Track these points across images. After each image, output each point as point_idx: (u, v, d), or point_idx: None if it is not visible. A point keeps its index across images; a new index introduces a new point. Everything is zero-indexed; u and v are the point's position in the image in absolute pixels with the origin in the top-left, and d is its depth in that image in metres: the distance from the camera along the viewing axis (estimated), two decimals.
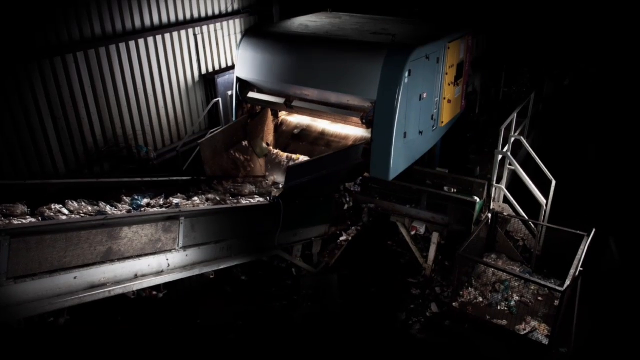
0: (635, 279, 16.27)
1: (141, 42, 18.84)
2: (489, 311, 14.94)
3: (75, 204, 12.05)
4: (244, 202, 14.78)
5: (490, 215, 16.33)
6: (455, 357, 14.85)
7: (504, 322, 14.53)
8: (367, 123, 15.34)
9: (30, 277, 9.59)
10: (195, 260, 12.42)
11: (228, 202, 14.39)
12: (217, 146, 16.58)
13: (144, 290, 11.68)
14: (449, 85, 17.02)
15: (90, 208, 12.04)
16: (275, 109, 18.00)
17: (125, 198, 13.07)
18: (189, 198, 13.79)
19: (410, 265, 18.21)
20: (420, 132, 16.07)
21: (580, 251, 14.50)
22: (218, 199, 13.91)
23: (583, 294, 14.12)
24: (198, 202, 13.47)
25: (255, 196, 14.80)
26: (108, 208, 12.34)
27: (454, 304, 15.24)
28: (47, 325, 10.49)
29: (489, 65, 22.72)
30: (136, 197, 12.99)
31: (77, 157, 17.37)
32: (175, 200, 13.22)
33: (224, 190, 14.88)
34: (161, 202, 13.30)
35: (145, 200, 13.10)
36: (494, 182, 16.57)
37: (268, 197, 15.15)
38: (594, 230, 15.08)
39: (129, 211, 12.56)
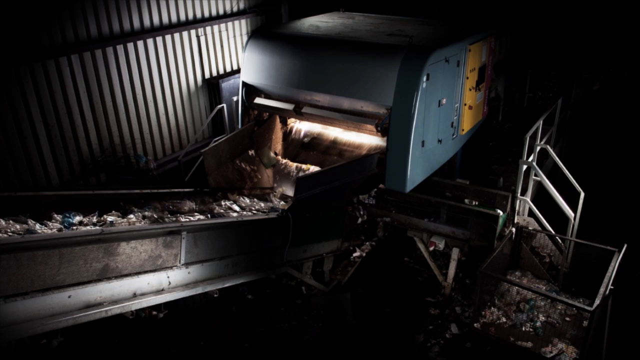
0: None
1: (140, 44, 18.81)
2: (513, 332, 14.89)
3: (2, 222, 11.79)
4: (249, 214, 14.80)
5: (514, 229, 16.31)
6: None
7: (529, 344, 14.47)
8: (383, 131, 15.27)
9: (21, 296, 9.53)
10: (198, 278, 12.41)
11: (166, 219, 13.97)
12: (222, 155, 16.56)
13: (143, 310, 11.59)
14: (470, 90, 16.98)
15: (18, 226, 11.66)
16: (283, 115, 18.00)
17: (55, 215, 12.63)
18: (124, 215, 13.45)
19: (429, 283, 18.24)
20: (440, 141, 16.03)
21: (610, 268, 14.44)
22: (155, 216, 13.71)
23: (613, 314, 14.09)
24: (134, 220, 13.11)
25: (195, 214, 14.53)
26: (38, 226, 11.91)
27: (475, 324, 15.19)
28: (40, 347, 10.45)
29: (513, 69, 22.73)
30: (67, 215, 12.67)
31: (71, 167, 17.30)
32: (110, 218, 12.90)
33: (162, 207, 14.67)
34: (94, 219, 12.87)
35: (78, 218, 12.60)
36: (518, 194, 16.52)
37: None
38: (625, 246, 15.01)
39: (60, 230, 12.22)
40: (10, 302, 9.40)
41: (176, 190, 15.70)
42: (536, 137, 16.97)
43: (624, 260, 14.83)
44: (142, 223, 13.02)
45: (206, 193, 16.04)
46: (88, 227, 12.36)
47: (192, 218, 13.98)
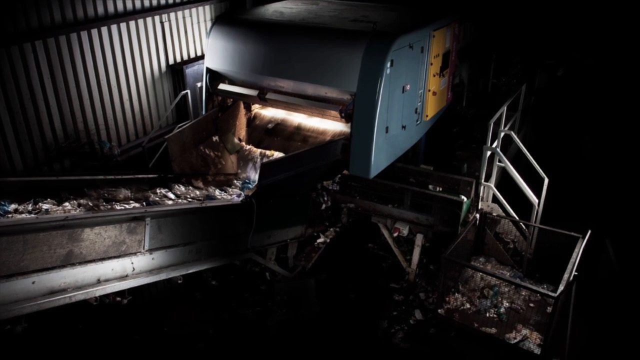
0: (633, 284, 16.38)
1: (104, 30, 18.75)
2: (477, 318, 15.02)
3: None
4: (217, 198, 14.85)
5: (478, 215, 16.47)
6: None
7: (493, 330, 14.60)
8: (347, 117, 15.44)
9: None
10: (162, 264, 12.47)
11: (101, 207, 13.85)
12: (186, 142, 16.63)
13: (107, 296, 11.64)
14: (434, 76, 17.16)
15: None
16: (247, 101, 18.10)
17: None
18: (59, 203, 13.39)
19: (393, 270, 18.33)
20: (403, 127, 16.20)
21: (574, 254, 14.59)
22: (91, 204, 13.69)
23: (578, 300, 14.26)
24: (69, 208, 13.07)
25: (131, 202, 14.49)
26: None
27: (439, 310, 15.32)
28: (4, 333, 10.51)
29: (477, 55, 22.88)
30: (2, 203, 12.63)
31: (35, 153, 17.27)
32: (45, 206, 12.85)
33: (97, 195, 14.66)
34: (30, 207, 12.87)
35: (13, 206, 12.69)
36: (482, 180, 16.68)
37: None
38: (589, 232, 15.17)
39: None
40: None
41: (140, 176, 15.74)
42: (500, 123, 17.13)
43: (587, 246, 14.98)
44: (78, 211, 13.02)
45: (170, 179, 16.11)
46: (59, 212, 12.44)
47: (159, 203, 14.10)
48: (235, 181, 17.19)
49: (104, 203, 14.01)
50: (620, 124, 23.96)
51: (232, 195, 15.97)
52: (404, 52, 15.04)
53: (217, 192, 16.30)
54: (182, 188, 15.85)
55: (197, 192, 15.80)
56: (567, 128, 24.66)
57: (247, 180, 17.28)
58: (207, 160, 17.20)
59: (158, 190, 15.23)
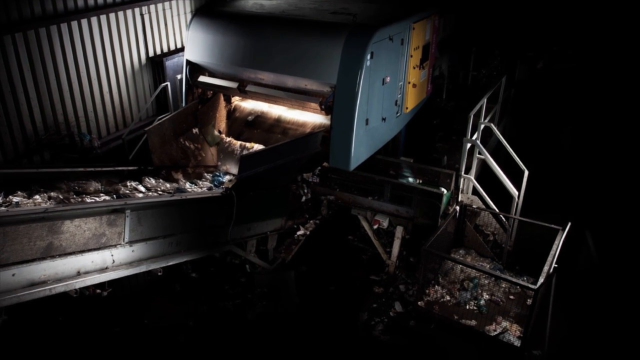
0: (613, 276, 16.47)
1: (84, 22, 18.63)
2: (457, 310, 15.11)
3: None
4: (196, 190, 14.85)
5: (458, 207, 16.52)
6: (421, 359, 15.03)
7: (473, 323, 14.70)
8: (327, 109, 15.50)
9: None
10: (142, 256, 12.52)
11: (72, 199, 13.81)
12: (166, 134, 16.67)
13: (87, 288, 11.65)
14: (414, 68, 17.21)
15: None
16: (227, 94, 18.13)
17: None
18: (30, 196, 13.28)
19: (373, 262, 18.37)
20: (383, 119, 16.26)
21: (554, 246, 14.64)
22: (61, 197, 13.61)
23: (558, 292, 14.38)
24: (40, 201, 13.02)
25: (101, 194, 14.42)
26: None
27: (419, 303, 15.40)
28: None
29: (457, 47, 22.93)
30: None
31: (15, 145, 17.17)
32: (15, 199, 12.77)
33: (67, 188, 14.59)
34: (0, 200, 12.82)
35: None
36: (462, 173, 16.78)
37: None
38: (569, 224, 15.26)
39: None
40: None
41: (120, 168, 15.75)
42: (480, 115, 17.25)
43: (567, 239, 15.07)
44: (48, 204, 12.99)
45: (150, 171, 16.13)
46: (30, 205, 12.44)
47: (138, 195, 14.11)
48: (205, 174, 17.19)
49: (74, 196, 14.00)
50: (600, 116, 24.09)
51: (203, 188, 16.00)
52: (384, 44, 15.10)
53: (188, 184, 16.31)
54: (153, 181, 15.83)
55: (168, 185, 15.79)
56: (547, 120, 24.77)
57: (217, 174, 17.27)
58: (187, 153, 17.22)
59: (128, 183, 15.19)
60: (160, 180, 15.91)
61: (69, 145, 18.39)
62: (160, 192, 15.19)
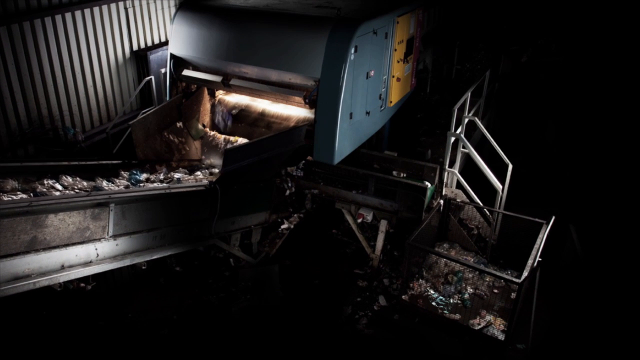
0: (597, 270, 16.54)
1: (68, 16, 18.60)
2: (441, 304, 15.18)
3: None
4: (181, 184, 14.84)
5: (442, 201, 16.63)
6: (405, 353, 15.05)
7: (457, 317, 14.83)
8: (311, 103, 15.54)
9: None
10: (126, 250, 12.52)
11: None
12: (150, 128, 16.66)
13: (71, 282, 11.67)
14: (398, 62, 17.27)
15: None
16: (211, 87, 18.12)
17: None
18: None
19: (357, 256, 18.47)
20: (368, 113, 16.32)
21: (538, 240, 14.82)
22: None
23: (542, 286, 14.37)
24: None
25: (18, 192, 13.77)
26: None
27: (403, 296, 15.50)
28: None
29: (441, 41, 23.00)
30: None
31: None
32: None
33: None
34: None
35: None
36: (446, 166, 16.89)
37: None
38: (553, 218, 15.40)
39: None
40: None
41: (104, 162, 15.76)
42: (464, 109, 17.33)
43: (551, 232, 15.21)
44: None
45: (134, 165, 16.14)
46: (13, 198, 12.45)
47: (121, 189, 14.08)
48: (122, 172, 17.15)
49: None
50: (584, 109, 24.19)
51: (120, 187, 15.96)
52: (368, 38, 15.15)
53: (104, 183, 15.79)
54: (69, 179, 14.98)
55: (85, 183, 15.25)
56: (531, 114, 24.84)
57: (134, 172, 17.12)
58: (172, 146, 17.23)
59: (45, 182, 14.46)
60: (77, 179, 15.67)
61: (53, 139, 18.37)
62: (77, 190, 14.86)
